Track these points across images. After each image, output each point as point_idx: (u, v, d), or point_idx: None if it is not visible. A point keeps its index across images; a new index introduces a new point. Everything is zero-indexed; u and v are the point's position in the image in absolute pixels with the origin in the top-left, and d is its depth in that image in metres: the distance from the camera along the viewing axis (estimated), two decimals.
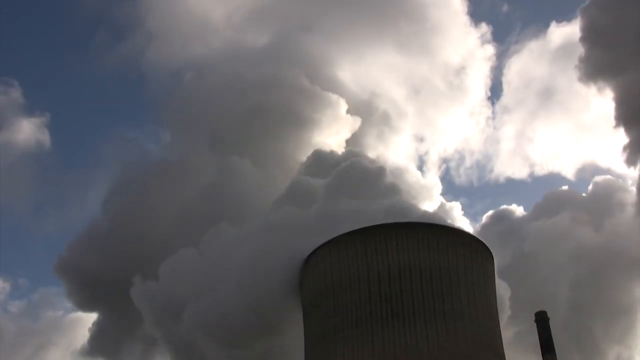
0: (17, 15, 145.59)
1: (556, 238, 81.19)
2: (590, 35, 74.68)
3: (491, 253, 59.17)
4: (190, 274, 63.99)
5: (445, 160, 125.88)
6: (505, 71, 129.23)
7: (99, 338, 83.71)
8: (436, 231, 56.39)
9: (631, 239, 74.29)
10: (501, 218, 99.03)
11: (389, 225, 56.14)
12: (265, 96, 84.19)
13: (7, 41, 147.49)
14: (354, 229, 56.59)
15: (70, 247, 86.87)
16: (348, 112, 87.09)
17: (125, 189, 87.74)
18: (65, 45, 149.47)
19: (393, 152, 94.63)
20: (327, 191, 68.53)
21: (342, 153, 77.87)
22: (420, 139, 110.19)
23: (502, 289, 61.86)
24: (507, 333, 64.93)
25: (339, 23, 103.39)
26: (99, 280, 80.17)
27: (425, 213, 61.86)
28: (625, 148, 72.48)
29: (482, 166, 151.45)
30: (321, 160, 78.10)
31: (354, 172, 70.26)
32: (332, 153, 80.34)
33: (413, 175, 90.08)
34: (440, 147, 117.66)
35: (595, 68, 73.51)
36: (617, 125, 71.63)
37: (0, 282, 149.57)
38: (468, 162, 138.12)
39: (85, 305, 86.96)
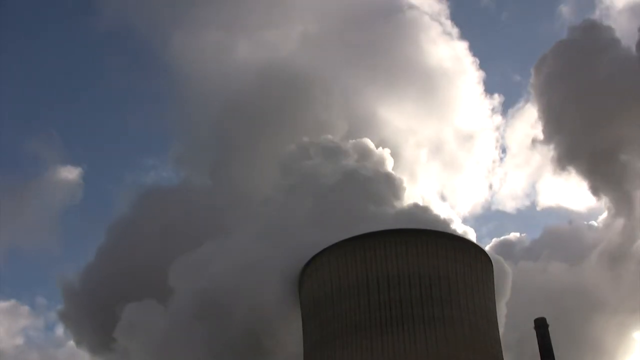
0: (57, 79, 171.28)
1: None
2: (550, 128, 78.92)
3: (491, 260, 59.22)
4: (152, 330, 61.75)
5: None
6: (509, 134, 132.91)
7: None
8: (436, 238, 56.32)
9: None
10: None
11: (388, 232, 56.09)
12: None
13: (49, 99, 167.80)
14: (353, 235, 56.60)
15: (66, 296, 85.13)
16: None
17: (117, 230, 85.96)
18: (100, 102, 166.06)
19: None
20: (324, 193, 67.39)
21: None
22: (442, 197, 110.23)
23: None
24: None
25: (358, 75, 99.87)
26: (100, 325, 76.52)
27: (426, 220, 61.54)
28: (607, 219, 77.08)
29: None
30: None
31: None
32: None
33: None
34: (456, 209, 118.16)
35: (561, 156, 78.05)
36: (595, 197, 76.21)
37: (33, 317, 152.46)
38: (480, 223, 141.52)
39: (96, 350, 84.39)
